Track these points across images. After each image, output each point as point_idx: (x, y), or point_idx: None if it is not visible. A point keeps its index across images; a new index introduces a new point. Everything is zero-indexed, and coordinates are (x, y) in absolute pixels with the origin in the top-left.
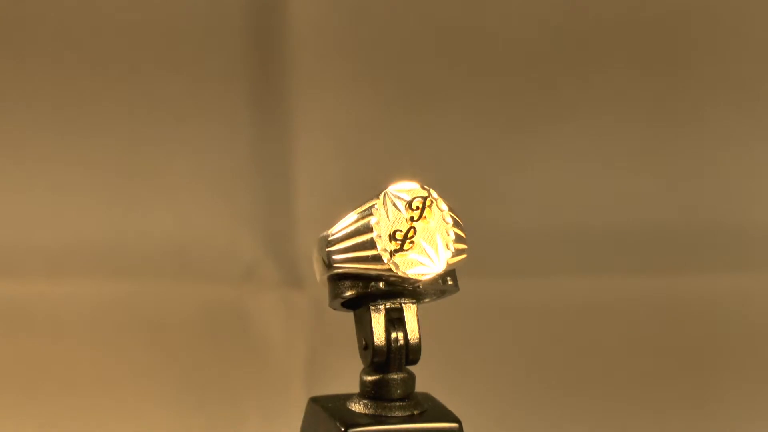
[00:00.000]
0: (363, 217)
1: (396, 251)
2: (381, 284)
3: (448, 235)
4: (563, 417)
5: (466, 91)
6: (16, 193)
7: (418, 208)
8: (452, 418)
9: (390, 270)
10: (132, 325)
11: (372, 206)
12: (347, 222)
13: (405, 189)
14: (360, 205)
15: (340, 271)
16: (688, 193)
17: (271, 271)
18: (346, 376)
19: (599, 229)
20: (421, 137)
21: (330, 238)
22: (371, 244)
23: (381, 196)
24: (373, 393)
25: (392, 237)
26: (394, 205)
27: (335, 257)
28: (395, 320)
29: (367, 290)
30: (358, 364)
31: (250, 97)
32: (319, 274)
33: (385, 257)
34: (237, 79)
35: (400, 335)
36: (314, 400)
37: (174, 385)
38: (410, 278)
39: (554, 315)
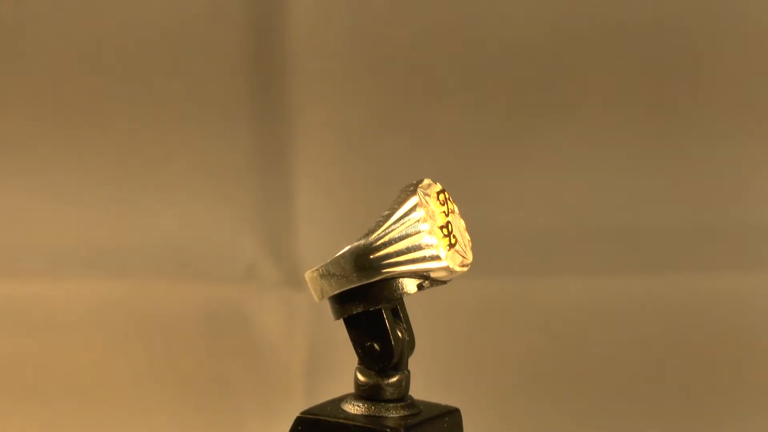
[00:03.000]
0: (408, 217)
1: (449, 246)
2: (426, 283)
3: (463, 224)
4: (563, 416)
5: (466, 91)
6: (16, 193)
7: (444, 201)
8: (450, 407)
9: (448, 267)
10: (132, 325)
11: (415, 204)
12: (389, 225)
13: (425, 184)
14: (387, 207)
15: (387, 276)
16: (688, 193)
17: (271, 271)
18: (347, 376)
19: (599, 229)
20: (421, 137)
21: (375, 244)
22: (427, 243)
23: (419, 194)
24: (382, 395)
25: (441, 233)
26: (427, 202)
27: (385, 262)
28: (397, 319)
29: (412, 291)
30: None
31: (250, 97)
32: (336, 288)
33: (443, 254)
34: (237, 79)
35: (405, 333)
36: (308, 413)
37: (174, 385)
38: (460, 273)
39: (554, 315)
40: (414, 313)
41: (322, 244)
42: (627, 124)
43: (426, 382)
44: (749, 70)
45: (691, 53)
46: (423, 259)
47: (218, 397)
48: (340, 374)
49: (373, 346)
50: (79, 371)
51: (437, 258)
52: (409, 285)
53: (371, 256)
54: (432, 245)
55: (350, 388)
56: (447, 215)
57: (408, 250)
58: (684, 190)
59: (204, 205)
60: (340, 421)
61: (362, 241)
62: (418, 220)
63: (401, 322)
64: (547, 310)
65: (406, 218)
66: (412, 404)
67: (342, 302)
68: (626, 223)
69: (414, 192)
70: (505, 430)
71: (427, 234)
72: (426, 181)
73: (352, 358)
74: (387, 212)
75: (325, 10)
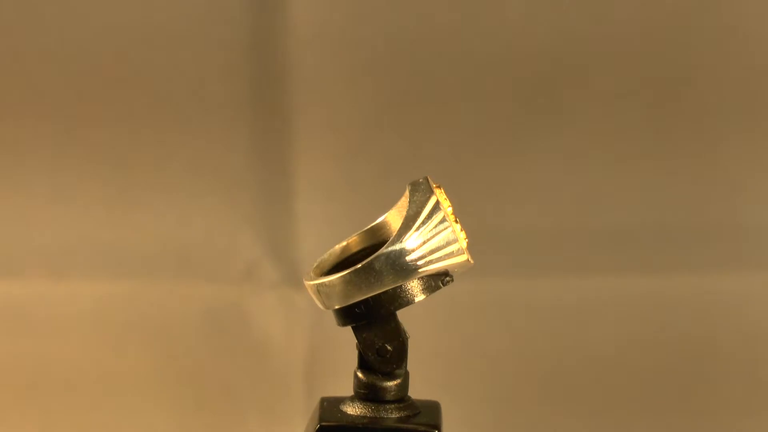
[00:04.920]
0: (434, 216)
1: (466, 240)
2: (448, 278)
3: None
4: (562, 416)
5: (466, 91)
6: (17, 193)
7: (446, 197)
8: (432, 401)
9: (467, 259)
10: (132, 325)
11: (436, 203)
12: (418, 226)
13: (430, 182)
14: (410, 208)
15: (422, 275)
16: (688, 193)
17: (271, 271)
18: (347, 377)
19: (599, 229)
20: (421, 137)
21: (409, 246)
22: (453, 238)
23: (435, 191)
24: (383, 396)
25: (458, 228)
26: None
27: (419, 262)
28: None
29: (438, 288)
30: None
31: (250, 98)
32: (366, 293)
33: (464, 248)
34: (237, 80)
35: (404, 331)
36: (328, 421)
37: (174, 385)
38: (470, 266)
39: (554, 315)
40: (414, 313)
41: (322, 244)
42: (627, 124)
43: (425, 382)
44: (749, 71)
45: (691, 54)
46: (451, 255)
47: (218, 397)
48: (340, 374)
49: (386, 347)
50: (79, 371)
51: (462, 252)
52: (429, 285)
53: (407, 258)
54: (456, 240)
55: (350, 388)
56: (452, 210)
57: (439, 248)
58: (684, 190)
59: (204, 206)
60: (367, 425)
61: (397, 245)
62: (443, 219)
63: (399, 320)
64: (547, 310)
65: (433, 217)
66: (412, 404)
67: (359, 308)
68: (626, 223)
69: (431, 191)
70: (504, 430)
71: (451, 230)
72: (429, 179)
73: (351, 358)
74: (410, 213)
75: (325, 11)
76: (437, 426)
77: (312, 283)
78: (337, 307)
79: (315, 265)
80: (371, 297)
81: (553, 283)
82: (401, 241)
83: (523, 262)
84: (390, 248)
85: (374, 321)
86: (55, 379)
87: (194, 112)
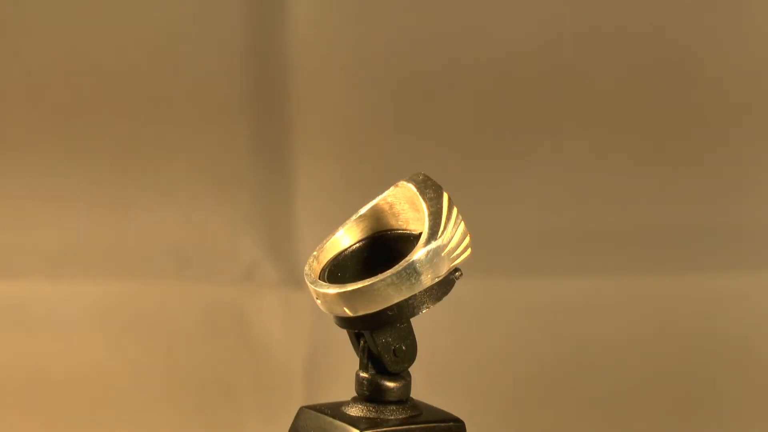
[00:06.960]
0: (453, 210)
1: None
2: (458, 273)
3: None
4: (563, 417)
5: (465, 91)
6: (16, 192)
7: None
8: (452, 416)
9: (470, 252)
10: (132, 326)
11: (449, 198)
12: (444, 222)
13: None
14: (428, 205)
15: (450, 270)
16: (688, 193)
17: (271, 271)
18: (347, 376)
19: (599, 229)
20: (421, 137)
21: (443, 242)
22: (466, 232)
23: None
24: (386, 397)
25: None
26: None
27: (450, 257)
28: None
29: (453, 283)
30: (357, 365)
31: (250, 97)
32: (405, 294)
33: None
34: (237, 79)
35: None
36: (371, 426)
37: (174, 385)
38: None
39: (554, 315)
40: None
41: None
42: (627, 124)
43: (425, 382)
44: (749, 71)
45: (691, 54)
46: (466, 248)
47: (218, 396)
48: (340, 374)
49: (401, 348)
50: (79, 371)
51: (470, 245)
52: (447, 281)
53: (442, 254)
54: (468, 234)
55: (349, 388)
56: None
57: (459, 243)
58: (684, 190)
59: (204, 205)
60: (410, 427)
61: (433, 243)
62: (457, 213)
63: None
64: (547, 310)
65: (452, 212)
66: (414, 405)
67: (392, 311)
68: (626, 223)
69: (440, 187)
70: (503, 429)
71: (464, 224)
72: (428, 176)
73: (351, 359)
74: (433, 210)
75: (325, 10)
76: (458, 419)
77: (339, 291)
78: (370, 312)
79: (310, 273)
80: (407, 299)
81: (553, 283)
82: (436, 239)
83: (523, 262)
84: (428, 248)
85: (398, 323)
86: (55, 379)
87: (194, 112)
